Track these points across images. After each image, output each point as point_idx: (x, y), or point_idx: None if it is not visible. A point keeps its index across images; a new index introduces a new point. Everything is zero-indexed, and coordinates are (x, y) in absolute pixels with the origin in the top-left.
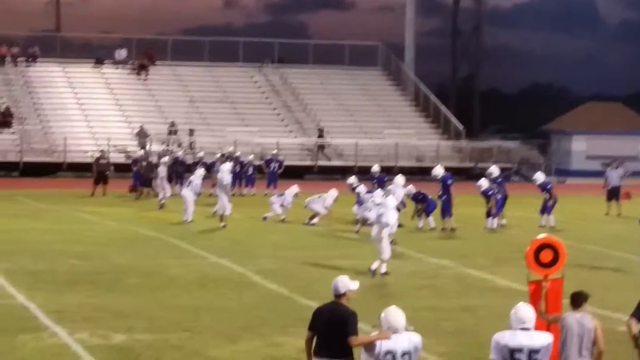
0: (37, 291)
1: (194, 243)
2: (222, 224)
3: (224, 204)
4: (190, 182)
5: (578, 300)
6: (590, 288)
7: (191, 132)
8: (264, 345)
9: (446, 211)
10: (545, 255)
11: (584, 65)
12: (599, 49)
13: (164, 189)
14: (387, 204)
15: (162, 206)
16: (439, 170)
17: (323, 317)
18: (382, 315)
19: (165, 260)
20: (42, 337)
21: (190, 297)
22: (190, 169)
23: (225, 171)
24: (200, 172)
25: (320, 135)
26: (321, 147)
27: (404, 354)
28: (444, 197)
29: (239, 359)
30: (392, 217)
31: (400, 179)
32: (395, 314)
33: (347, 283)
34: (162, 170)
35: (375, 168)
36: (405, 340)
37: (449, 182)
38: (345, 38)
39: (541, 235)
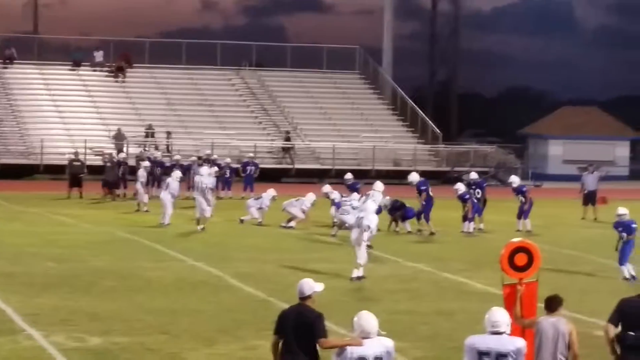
0: (12, 294)
1: (171, 246)
2: (201, 226)
3: (202, 207)
4: (167, 185)
5: (553, 304)
6: (566, 292)
7: (168, 134)
8: (240, 349)
9: (422, 214)
10: (520, 259)
11: (561, 69)
12: (576, 53)
13: (142, 192)
14: (367, 208)
15: (146, 211)
16: (414, 177)
17: (289, 320)
18: (355, 319)
19: (142, 263)
20: (18, 340)
21: (167, 300)
22: (167, 171)
23: (204, 174)
24: (176, 174)
25: (287, 139)
26: (287, 150)
27: (375, 358)
28: (423, 203)
29: None
30: (372, 221)
31: (379, 184)
32: (367, 318)
33: (312, 285)
34: (142, 175)
35: (348, 175)
36: (377, 345)
37: (422, 187)
38: (323, 41)
39: (516, 239)
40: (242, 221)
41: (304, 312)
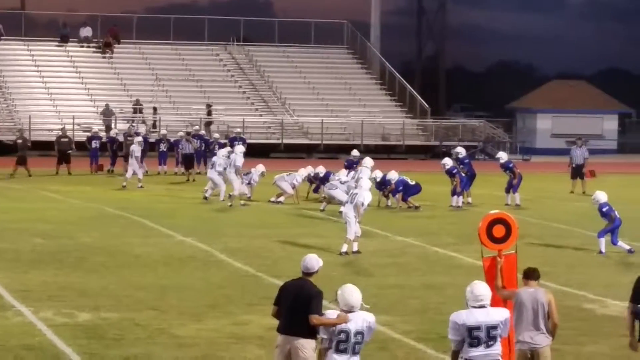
0: (1, 270)
1: (159, 222)
2: (229, 203)
3: (237, 185)
4: (213, 163)
5: (531, 275)
6: (555, 265)
7: (155, 110)
8: (229, 324)
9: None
10: (498, 231)
11: (550, 43)
12: (565, 27)
13: (137, 167)
14: (362, 185)
15: (140, 187)
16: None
17: (290, 293)
18: (339, 292)
19: (130, 238)
20: (7, 316)
21: (155, 276)
22: (153, 147)
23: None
24: (222, 152)
25: (209, 113)
26: (208, 124)
27: (357, 333)
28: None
29: (205, 337)
30: (367, 198)
31: (369, 160)
32: (351, 292)
33: (319, 261)
34: (137, 149)
35: (355, 152)
36: (360, 319)
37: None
38: (310, 16)
39: (493, 211)
40: (231, 196)
41: (306, 287)
